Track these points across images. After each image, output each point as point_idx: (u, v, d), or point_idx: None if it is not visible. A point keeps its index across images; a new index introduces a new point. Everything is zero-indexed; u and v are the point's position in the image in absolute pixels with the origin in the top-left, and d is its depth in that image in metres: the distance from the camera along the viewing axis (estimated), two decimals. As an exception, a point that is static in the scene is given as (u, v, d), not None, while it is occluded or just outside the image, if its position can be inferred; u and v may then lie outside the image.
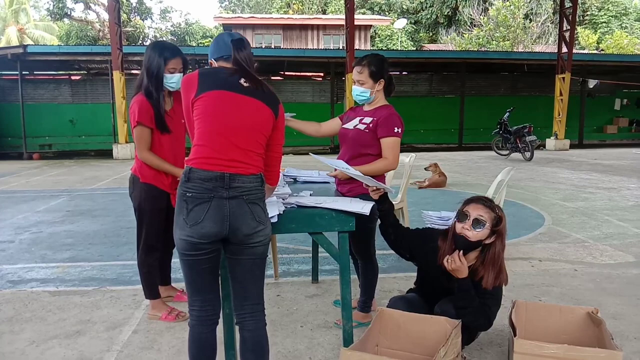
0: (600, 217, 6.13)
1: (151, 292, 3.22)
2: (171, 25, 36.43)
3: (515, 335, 2.33)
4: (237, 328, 2.16)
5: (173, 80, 3.03)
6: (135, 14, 34.35)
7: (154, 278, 3.24)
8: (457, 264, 2.41)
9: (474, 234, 2.45)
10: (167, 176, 3.10)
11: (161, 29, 36.17)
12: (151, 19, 35.83)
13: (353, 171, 2.59)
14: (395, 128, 2.83)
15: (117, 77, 13.60)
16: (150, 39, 34.59)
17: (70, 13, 31.32)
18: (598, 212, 6.43)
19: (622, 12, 35.28)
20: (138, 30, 33.17)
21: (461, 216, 2.50)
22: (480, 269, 2.48)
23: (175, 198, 3.04)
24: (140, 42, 32.71)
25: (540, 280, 3.92)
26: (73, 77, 18.67)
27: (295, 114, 3.06)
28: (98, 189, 8.91)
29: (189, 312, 2.10)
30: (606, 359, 2.08)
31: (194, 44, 31.98)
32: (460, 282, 2.45)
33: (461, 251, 2.44)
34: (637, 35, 33.88)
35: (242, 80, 2.02)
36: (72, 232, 5.62)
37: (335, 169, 2.77)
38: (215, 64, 2.12)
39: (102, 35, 30.70)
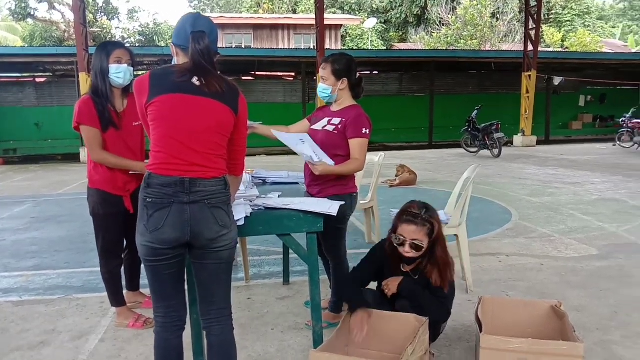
0: (566, 212, 6.29)
1: (116, 299, 3.17)
2: (139, 26, 35.80)
3: (481, 331, 2.37)
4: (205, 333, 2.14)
5: (120, 71, 2.93)
6: (102, 14, 33.66)
7: (116, 285, 3.18)
8: (389, 285, 2.58)
9: (416, 254, 2.55)
10: (118, 179, 2.99)
11: (129, 29, 35.54)
12: (118, 19, 35.13)
13: (315, 153, 2.68)
14: (364, 129, 2.85)
15: (84, 79, 13.29)
16: (118, 40, 33.98)
17: (34, 13, 30.50)
18: (563, 207, 6.58)
19: (585, 11, 36.26)
20: (105, 30, 32.50)
21: (397, 239, 2.56)
22: (429, 269, 2.56)
23: (128, 201, 2.99)
24: (107, 43, 32.02)
25: (508, 275, 4.00)
26: (38, 80, 18.15)
27: (262, 122, 3.05)
28: (65, 194, 8.72)
29: (154, 319, 2.07)
30: (568, 351, 2.14)
31: (163, 44, 31.53)
32: (401, 288, 2.54)
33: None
34: (600, 33, 34.89)
35: (194, 79, 1.93)
36: (37, 240, 5.48)
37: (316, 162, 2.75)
38: (174, 49, 2.04)
39: (68, 36, 29.99)
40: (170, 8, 74.99)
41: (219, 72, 2.01)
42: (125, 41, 34.36)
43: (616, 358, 2.63)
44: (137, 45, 31.83)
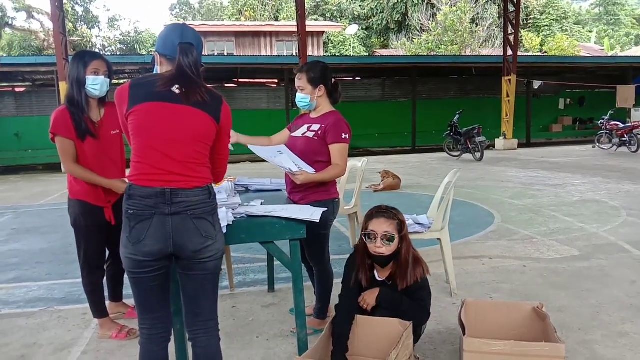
0: (547, 214, 6.37)
1: (98, 311, 3.13)
2: (120, 34, 35.59)
3: (464, 334, 2.39)
4: (189, 344, 2.12)
5: (97, 82, 2.90)
6: (82, 22, 33.40)
7: (99, 296, 3.14)
8: (366, 298, 2.53)
9: (388, 249, 2.51)
10: (99, 190, 2.95)
11: (109, 38, 35.30)
12: (99, 27, 34.94)
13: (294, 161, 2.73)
14: (343, 134, 2.87)
15: (64, 89, 13.15)
16: (98, 48, 33.70)
17: (12, 22, 30.16)
18: (545, 209, 6.67)
19: (562, 15, 36.95)
20: (85, 39, 32.25)
21: (369, 236, 2.54)
22: (401, 271, 2.56)
23: (109, 212, 2.96)
24: (87, 51, 31.72)
25: (491, 277, 4.03)
26: (17, 89, 17.94)
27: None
28: (46, 205, 8.59)
29: (139, 330, 2.04)
30: (550, 352, 2.17)
31: (144, 53, 31.35)
32: (380, 300, 2.52)
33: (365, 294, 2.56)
34: (577, 37, 35.55)
35: (175, 88, 1.91)
36: (17, 251, 5.39)
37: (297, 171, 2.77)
38: (158, 58, 2.01)
39: (48, 45, 29.68)
40: (152, 16, 74.47)
41: (203, 82, 1.99)
42: (106, 50, 34.16)
43: (598, 357, 2.67)
44: (118, 53, 31.61)
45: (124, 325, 3.14)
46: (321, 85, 2.92)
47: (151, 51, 33.04)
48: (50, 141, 2.91)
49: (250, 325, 3.25)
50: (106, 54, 31.31)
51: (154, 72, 2.05)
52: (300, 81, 2.92)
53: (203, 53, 2.06)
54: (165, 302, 2.04)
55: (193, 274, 1.96)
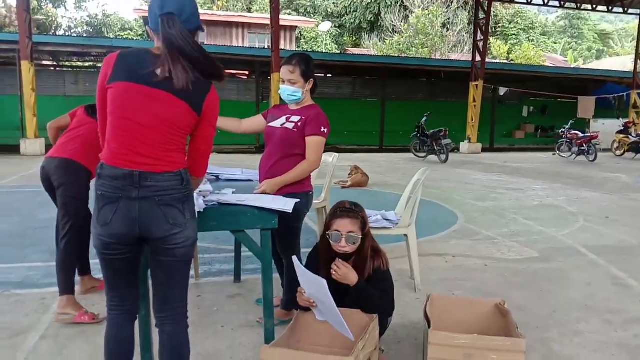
0: (509, 216, 6.54)
1: (68, 286, 3.09)
2: (87, 16, 34.57)
3: (429, 327, 2.43)
4: (155, 330, 2.09)
5: None
6: (47, 1, 32.31)
7: (73, 270, 3.19)
8: (343, 270, 2.42)
9: (352, 248, 2.51)
10: None
11: (76, 19, 34.26)
12: (65, 7, 33.86)
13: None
14: (322, 128, 2.85)
15: (26, 68, 12.73)
16: (64, 29, 32.68)
17: (-28, -3, 28.92)
18: (506, 211, 6.85)
19: (530, 26, 37.98)
20: (50, 19, 31.20)
21: (333, 236, 2.51)
22: (359, 266, 2.52)
23: None
24: (52, 31, 30.78)
25: (454, 275, 4.12)
26: (-26, 67, 17.23)
27: None
28: (2, 187, 8.28)
29: (107, 307, 2.01)
30: (511, 347, 2.23)
31: (112, 36, 30.55)
32: (356, 288, 2.43)
33: (337, 259, 2.46)
34: (542, 47, 36.58)
35: (159, 70, 1.81)
36: (-29, 233, 5.18)
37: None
38: (152, 34, 1.92)
39: (10, 22, 28.56)
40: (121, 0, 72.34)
41: (198, 57, 1.87)
42: (72, 31, 33.17)
43: (554, 354, 2.77)
44: (84, 35, 30.71)
45: (87, 311, 3.06)
46: (311, 79, 2.90)
47: (119, 35, 32.29)
48: None
49: (215, 315, 3.22)
50: (72, 35, 30.38)
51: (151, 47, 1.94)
52: (293, 75, 2.85)
53: (196, 8, 1.95)
54: (133, 282, 2.02)
55: (162, 259, 1.93)
